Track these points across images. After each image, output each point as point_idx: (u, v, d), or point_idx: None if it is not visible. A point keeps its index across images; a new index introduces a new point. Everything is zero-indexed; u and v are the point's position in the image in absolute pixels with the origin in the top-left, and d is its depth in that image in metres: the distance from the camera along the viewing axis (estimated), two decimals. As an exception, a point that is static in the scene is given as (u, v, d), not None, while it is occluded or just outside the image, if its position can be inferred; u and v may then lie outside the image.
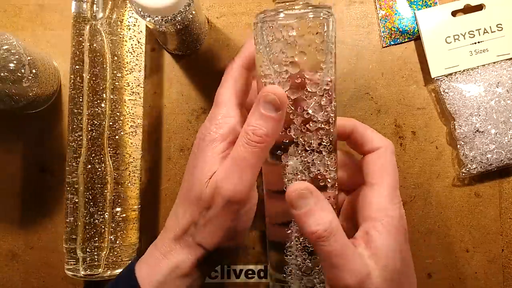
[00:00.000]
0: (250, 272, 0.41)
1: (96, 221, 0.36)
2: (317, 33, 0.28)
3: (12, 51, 0.35)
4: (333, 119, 0.30)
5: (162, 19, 0.33)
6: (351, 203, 0.34)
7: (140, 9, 0.33)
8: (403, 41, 0.42)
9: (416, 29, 0.42)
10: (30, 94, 0.37)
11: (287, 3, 0.29)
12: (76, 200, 0.36)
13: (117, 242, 0.37)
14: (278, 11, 0.28)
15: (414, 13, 0.42)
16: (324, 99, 0.29)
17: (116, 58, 0.37)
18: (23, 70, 0.36)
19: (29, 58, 0.36)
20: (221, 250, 0.32)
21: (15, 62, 0.35)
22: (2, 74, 0.34)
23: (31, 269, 0.42)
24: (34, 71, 0.37)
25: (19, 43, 0.36)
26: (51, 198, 0.42)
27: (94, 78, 0.36)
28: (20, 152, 0.42)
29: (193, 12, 0.35)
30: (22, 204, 0.42)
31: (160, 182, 0.42)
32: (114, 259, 0.37)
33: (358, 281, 0.27)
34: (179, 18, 0.33)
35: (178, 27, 0.35)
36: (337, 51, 0.30)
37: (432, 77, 0.41)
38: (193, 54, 0.43)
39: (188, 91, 0.43)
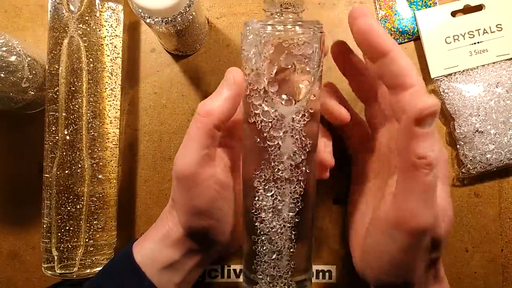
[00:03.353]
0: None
1: (71, 220, 0.36)
2: (300, 55, 0.28)
3: (12, 52, 0.35)
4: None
5: (162, 20, 0.33)
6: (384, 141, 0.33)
7: (140, 10, 0.33)
8: (402, 42, 0.42)
9: (416, 30, 0.42)
10: (30, 94, 0.38)
11: (276, 15, 0.29)
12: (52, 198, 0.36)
13: (94, 241, 0.37)
14: (265, 24, 0.28)
15: (414, 13, 0.42)
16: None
17: (92, 58, 0.37)
18: (22, 71, 0.36)
19: (28, 59, 0.36)
20: (199, 232, 0.31)
21: (14, 63, 0.35)
22: (1, 75, 0.35)
23: (32, 268, 0.42)
24: (33, 71, 0.37)
25: (19, 44, 0.36)
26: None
27: (70, 77, 0.36)
28: (20, 152, 0.43)
29: (193, 13, 0.35)
30: (23, 204, 0.42)
31: (160, 182, 0.42)
32: (92, 258, 0.37)
33: (434, 221, 0.27)
34: (179, 19, 0.33)
35: (178, 28, 0.35)
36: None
37: (432, 77, 0.41)
38: (193, 54, 0.43)
39: (188, 91, 0.43)
